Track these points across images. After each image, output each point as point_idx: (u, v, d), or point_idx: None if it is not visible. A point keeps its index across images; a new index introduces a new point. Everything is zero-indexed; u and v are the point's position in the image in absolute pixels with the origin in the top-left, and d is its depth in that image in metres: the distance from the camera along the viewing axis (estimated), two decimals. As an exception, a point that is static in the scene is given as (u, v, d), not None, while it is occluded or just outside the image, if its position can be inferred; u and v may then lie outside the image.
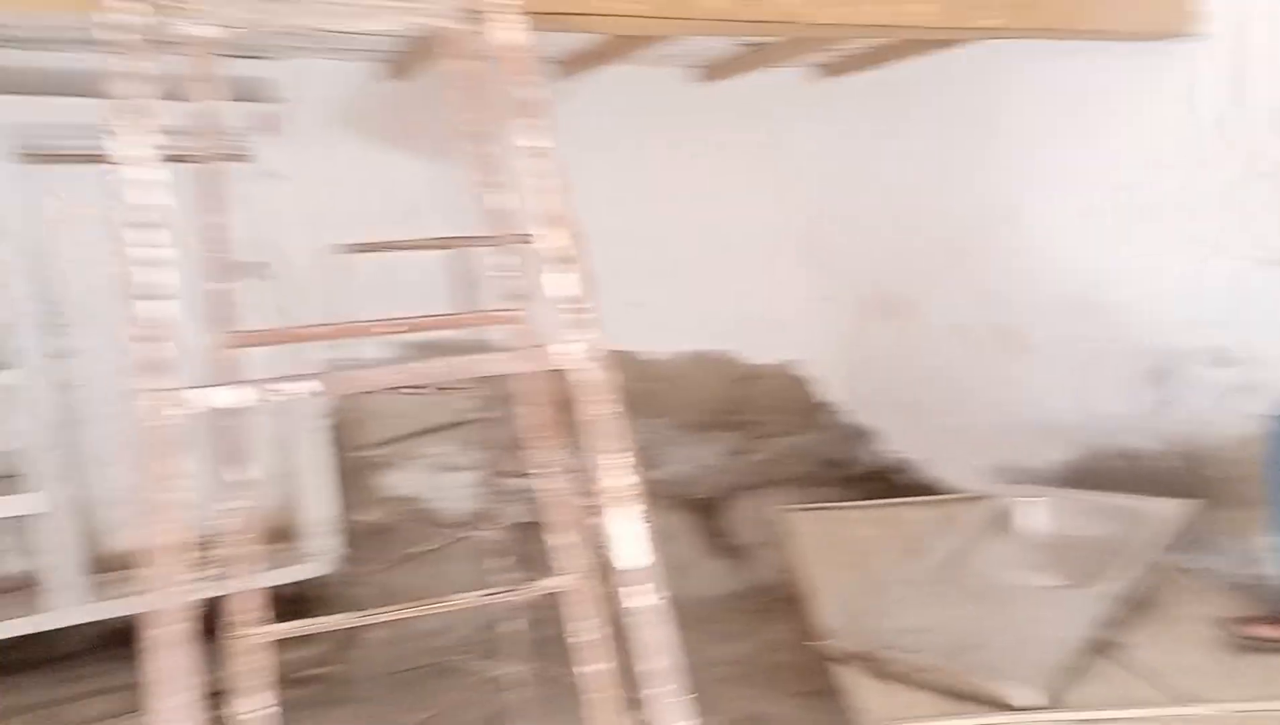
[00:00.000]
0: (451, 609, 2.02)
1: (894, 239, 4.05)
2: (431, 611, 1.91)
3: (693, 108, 4.05)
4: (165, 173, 1.00)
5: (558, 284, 1.17)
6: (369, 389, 1.09)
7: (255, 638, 1.65)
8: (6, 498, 3.10)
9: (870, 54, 3.81)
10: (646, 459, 3.92)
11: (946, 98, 3.68)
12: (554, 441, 1.73)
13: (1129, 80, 2.99)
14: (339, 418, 3.56)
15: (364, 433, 3.40)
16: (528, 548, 3.72)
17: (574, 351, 1.17)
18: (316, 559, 3.47)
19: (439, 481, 3.78)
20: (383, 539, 3.49)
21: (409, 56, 3.28)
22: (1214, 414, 2.90)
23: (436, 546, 3.23)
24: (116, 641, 3.51)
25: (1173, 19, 2.72)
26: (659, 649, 1.13)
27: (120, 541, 3.48)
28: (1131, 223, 3.08)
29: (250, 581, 1.65)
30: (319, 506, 3.50)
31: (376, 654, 3.06)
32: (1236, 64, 2.70)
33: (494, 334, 1.76)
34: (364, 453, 3.39)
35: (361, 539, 3.39)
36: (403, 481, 3.73)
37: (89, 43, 2.91)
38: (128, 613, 3.35)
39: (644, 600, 1.14)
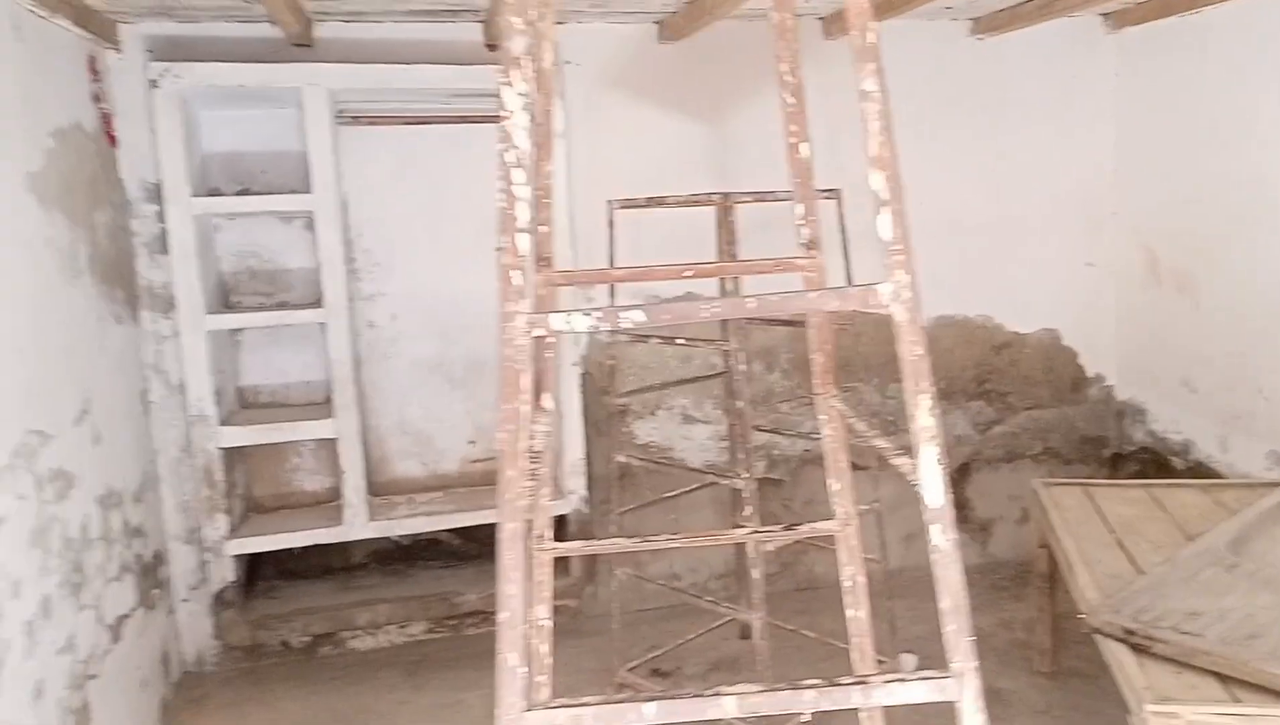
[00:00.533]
0: (716, 544, 2.12)
1: (1183, 201, 3.74)
2: (697, 544, 2.01)
3: (974, 62, 3.91)
4: (527, 119, 1.11)
5: (877, 226, 1.19)
6: (688, 320, 1.17)
7: (549, 552, 1.80)
8: (315, 422, 3.51)
9: (1163, 2, 3.54)
10: (896, 425, 3.91)
11: (1248, 48, 3.34)
12: (830, 387, 1.76)
13: None
14: (590, 367, 3.76)
15: (615, 382, 3.57)
16: (767, 503, 3.82)
17: (886, 292, 1.19)
18: (567, 497, 3.70)
19: (686, 432, 3.91)
20: (628, 484, 3.67)
21: (684, 18, 3.37)
22: None
23: (680, 492, 3.36)
24: (390, 559, 3.93)
25: None
26: (953, 587, 1.17)
27: (393, 469, 3.86)
28: None
29: (546, 503, 1.80)
30: (572, 449, 3.72)
31: (614, 594, 3.25)
32: None
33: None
34: (614, 400, 3.56)
35: (608, 483, 3.57)
36: (650, 430, 3.89)
37: (397, 13, 3.30)
38: (400, 533, 3.75)
39: (942, 539, 1.18)
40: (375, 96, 3.53)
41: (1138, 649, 2.05)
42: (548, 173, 1.63)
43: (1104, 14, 3.89)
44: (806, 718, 2.59)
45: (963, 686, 1.15)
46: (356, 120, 3.57)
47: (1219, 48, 3.51)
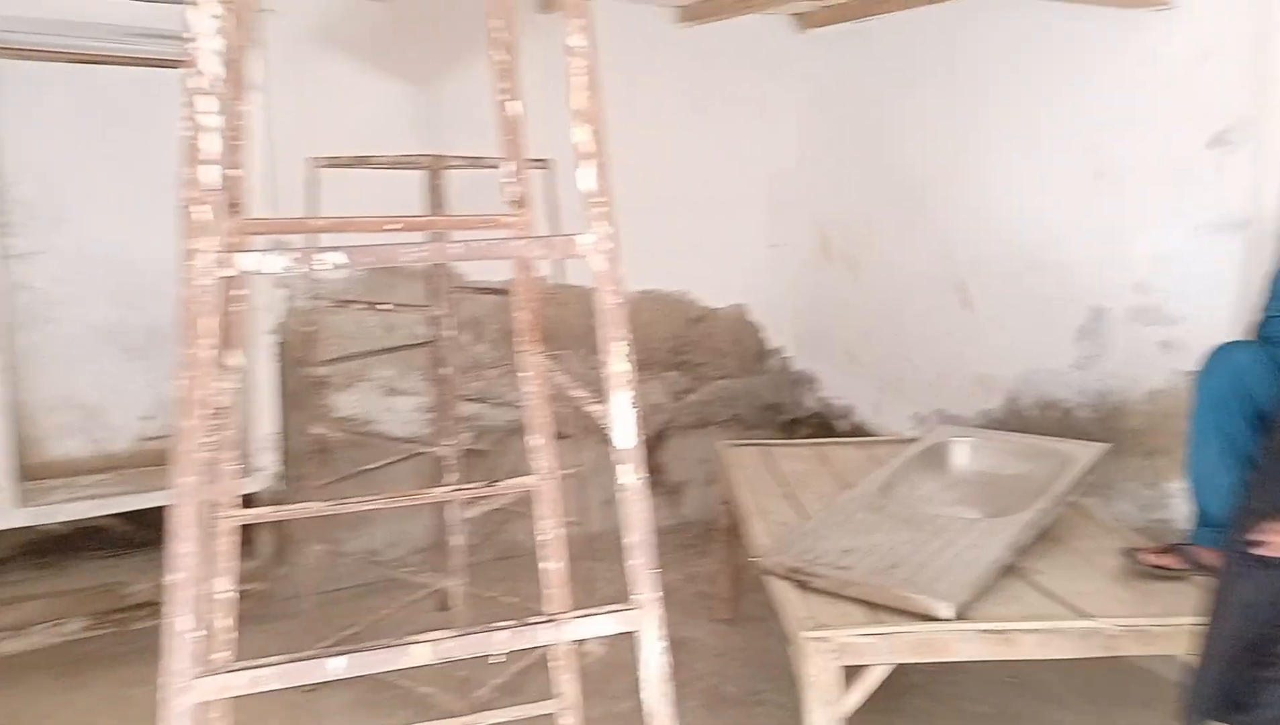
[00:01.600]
0: (415, 503, 2.09)
1: (853, 189, 4.17)
2: (395, 505, 1.97)
3: (680, 49, 4.09)
4: (220, 44, 1.02)
5: (580, 178, 1.22)
6: (390, 263, 1.14)
7: (233, 519, 1.69)
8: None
9: (849, 5, 3.90)
10: (601, 394, 4.03)
11: (919, 50, 3.78)
12: (535, 345, 1.79)
13: (1099, 44, 3.10)
14: (287, 335, 3.54)
15: (313, 351, 3.40)
16: (471, 475, 3.80)
17: (588, 242, 1.23)
18: (257, 474, 3.47)
19: (389, 404, 3.80)
20: (327, 458, 3.51)
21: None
22: (1137, 369, 3.09)
23: (381, 464, 3.26)
24: (44, 550, 3.49)
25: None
26: (640, 523, 1.24)
27: (52, 449, 3.44)
28: (1086, 184, 3.21)
29: (230, 469, 1.68)
30: (263, 422, 3.49)
31: (306, 575, 3.10)
32: (1202, 35, 2.83)
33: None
34: (312, 371, 3.38)
35: (305, 457, 3.40)
36: (351, 403, 3.74)
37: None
38: (54, 521, 3.35)
39: (631, 478, 1.24)
40: (45, 29, 3.08)
41: (800, 585, 2.27)
42: (240, 113, 1.51)
43: (796, 14, 4.23)
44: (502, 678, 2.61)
45: (644, 617, 1.21)
46: (21, 53, 3.10)
47: (882, 53, 3.94)
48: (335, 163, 2.90)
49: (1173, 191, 2.95)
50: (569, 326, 4.01)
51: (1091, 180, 3.19)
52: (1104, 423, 3.20)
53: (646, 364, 4.24)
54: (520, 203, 1.65)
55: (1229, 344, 2.33)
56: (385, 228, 1.55)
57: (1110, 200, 3.15)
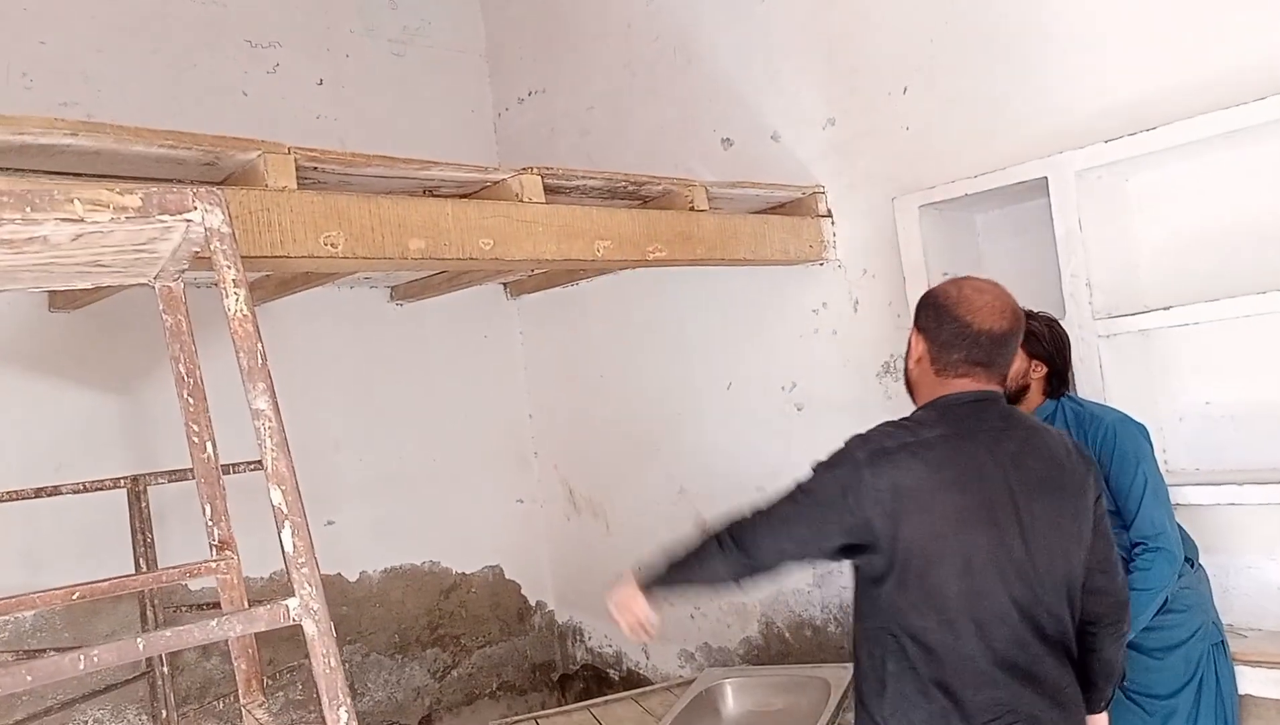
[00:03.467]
0: None
1: (588, 439, 4.31)
2: None
3: (397, 325, 4.16)
4: None
5: (280, 539, 1.18)
6: (58, 677, 1.02)
7: None
8: None
9: (550, 275, 4.18)
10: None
11: (628, 309, 4.08)
12: (259, 693, 1.65)
13: (778, 295, 3.50)
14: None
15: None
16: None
17: (295, 606, 1.17)
18: None
19: (103, 749, 3.32)
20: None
21: (80, 292, 3.11)
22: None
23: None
24: None
25: (805, 248, 3.26)
26: None
27: None
28: (790, 417, 3.52)
29: None
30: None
31: None
32: (853, 285, 3.27)
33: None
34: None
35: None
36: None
37: None
38: None
39: None
40: None
41: None
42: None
43: (504, 283, 4.46)
44: None
45: None
46: None
47: (597, 311, 4.22)
48: (16, 496, 2.63)
49: (857, 419, 3.26)
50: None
51: (795, 414, 3.51)
52: (844, 637, 3.36)
53: (402, 646, 4.02)
54: (224, 545, 1.56)
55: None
56: (72, 598, 1.40)
57: (812, 431, 3.46)
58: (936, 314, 1.77)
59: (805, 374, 3.47)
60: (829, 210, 3.33)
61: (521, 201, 2.57)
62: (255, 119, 3.79)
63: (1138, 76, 2.61)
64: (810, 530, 1.70)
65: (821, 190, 3.33)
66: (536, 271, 4.00)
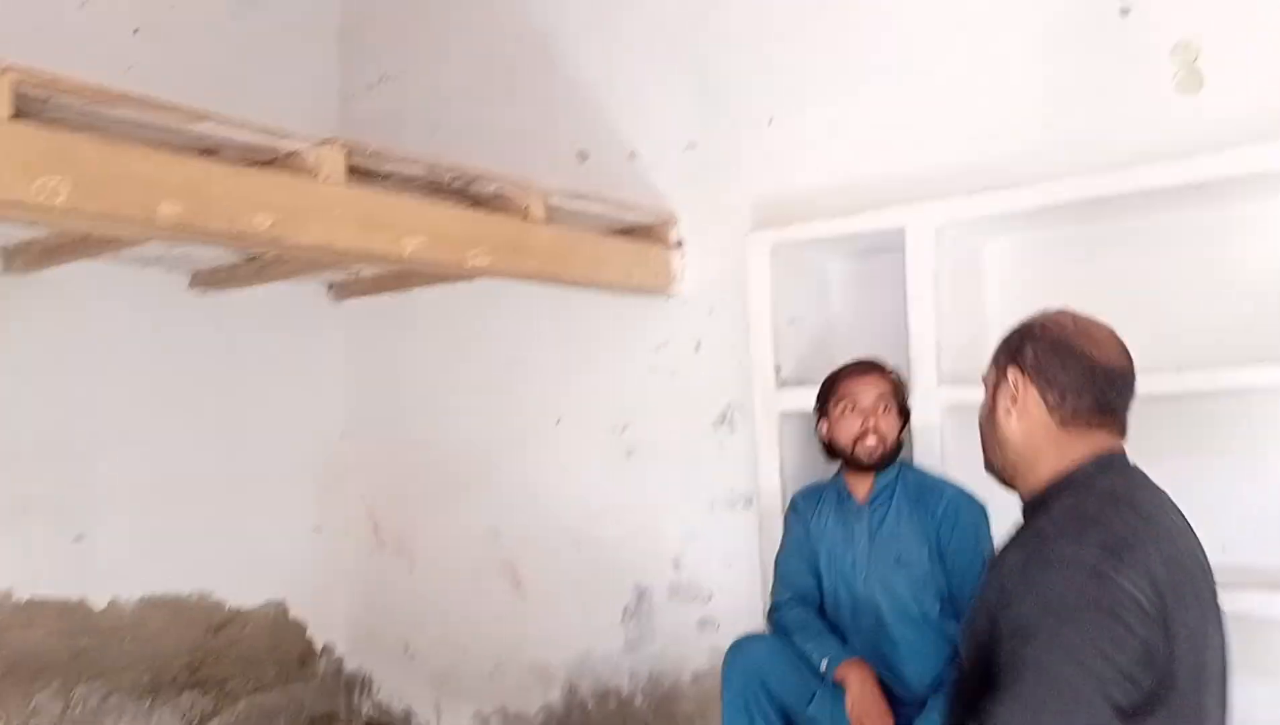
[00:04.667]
0: None
1: (403, 467, 3.88)
2: None
3: (198, 316, 3.63)
4: None
5: None
6: None
7: None
8: None
9: (378, 279, 3.77)
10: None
11: (458, 325, 3.70)
12: None
13: (618, 327, 3.21)
14: None
15: None
16: None
17: None
18: None
19: None
20: None
21: None
22: (681, 649, 3.00)
23: None
24: None
25: (651, 278, 2.98)
26: None
27: None
28: (620, 461, 3.21)
29: None
30: None
31: None
32: (697, 324, 3.01)
33: None
34: None
35: None
36: None
37: None
38: None
39: None
40: None
41: None
42: None
43: (330, 284, 4.02)
44: None
45: None
46: None
47: (423, 327, 3.82)
48: None
49: (690, 469, 3.01)
50: (44, 654, 3.19)
51: (625, 458, 3.20)
52: (658, 710, 3.04)
53: (153, 688, 3.46)
54: None
55: (745, 639, 2.27)
56: None
57: (642, 478, 3.16)
58: (1054, 350, 1.38)
59: (639, 416, 3.17)
60: (681, 240, 3.07)
61: (317, 178, 2.19)
62: (52, 61, 3.28)
63: (1007, 134, 2.45)
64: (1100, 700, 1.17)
65: (675, 217, 3.07)
66: (351, 268, 3.59)
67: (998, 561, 1.37)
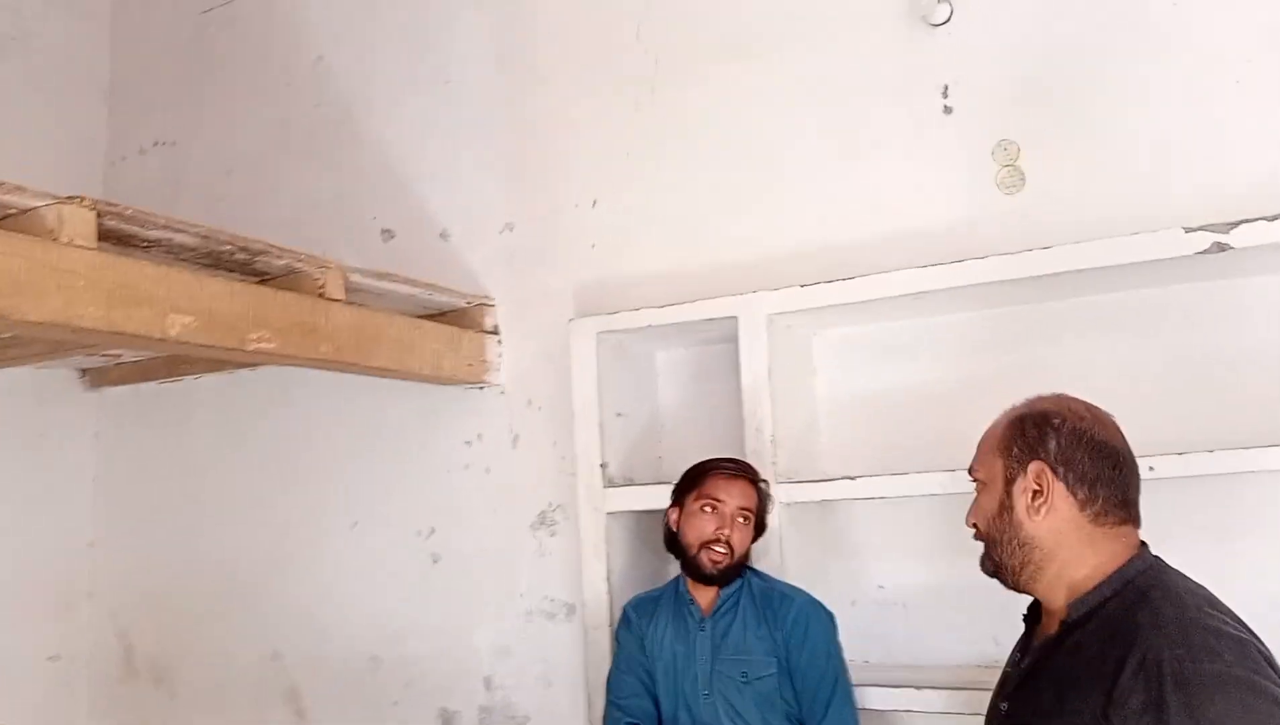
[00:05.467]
0: None
1: (164, 580, 3.34)
2: None
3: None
4: None
5: None
6: None
7: None
8: None
9: (142, 365, 3.30)
10: None
11: (238, 417, 3.27)
12: None
13: (425, 420, 2.92)
14: None
15: None
16: None
17: None
18: None
19: None
20: None
21: None
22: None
23: None
24: None
25: (464, 366, 2.73)
26: None
27: None
28: (424, 571, 2.89)
29: None
30: None
31: None
32: (514, 416, 2.78)
33: None
34: None
35: None
36: None
37: None
38: None
39: None
40: None
41: None
42: None
43: (82, 369, 3.49)
44: None
45: None
46: None
47: (203, 417, 3.36)
48: None
49: (505, 577, 2.74)
50: None
51: (430, 567, 2.88)
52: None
53: None
54: None
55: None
56: None
57: (449, 587, 2.84)
58: (1079, 441, 1.28)
59: (448, 517, 2.87)
60: (496, 326, 2.84)
61: (59, 241, 1.82)
62: None
63: (839, 225, 2.42)
64: None
65: (490, 302, 2.84)
66: (108, 355, 3.12)
67: (1067, 685, 1.21)
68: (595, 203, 2.74)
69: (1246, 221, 1.82)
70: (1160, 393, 2.06)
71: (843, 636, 2.05)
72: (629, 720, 2.03)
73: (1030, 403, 1.37)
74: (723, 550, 1.97)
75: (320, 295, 2.34)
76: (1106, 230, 2.00)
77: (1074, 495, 1.28)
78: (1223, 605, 1.23)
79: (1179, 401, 2.03)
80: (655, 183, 2.66)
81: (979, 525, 1.37)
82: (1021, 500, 1.30)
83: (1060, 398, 1.36)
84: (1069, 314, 2.18)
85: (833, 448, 2.45)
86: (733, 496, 2.00)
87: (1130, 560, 1.27)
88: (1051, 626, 1.31)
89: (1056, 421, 1.31)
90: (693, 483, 2.04)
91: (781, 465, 2.27)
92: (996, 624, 2.19)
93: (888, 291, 2.18)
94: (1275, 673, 1.14)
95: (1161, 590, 1.22)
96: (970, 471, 1.41)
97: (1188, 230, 1.88)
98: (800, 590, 2.04)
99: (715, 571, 1.98)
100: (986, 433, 1.40)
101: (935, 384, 2.33)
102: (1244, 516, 1.98)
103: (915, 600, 2.35)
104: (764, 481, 2.08)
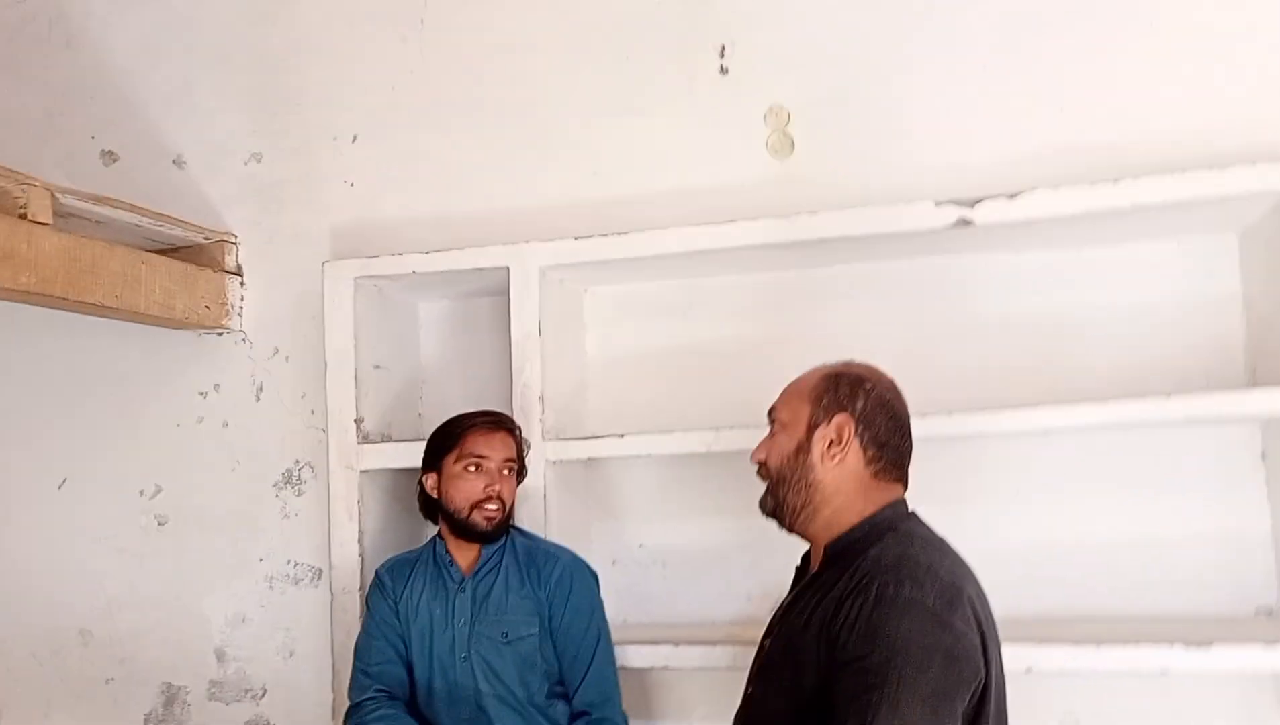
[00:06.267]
0: None
1: None
2: None
3: None
4: None
5: None
6: None
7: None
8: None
9: None
10: None
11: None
12: None
13: (159, 366, 2.62)
14: None
15: None
16: None
17: None
18: None
19: None
20: None
21: None
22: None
23: None
24: None
25: (199, 308, 2.44)
26: None
27: None
28: (148, 535, 2.59)
29: None
30: None
31: None
32: (262, 366, 2.54)
33: None
34: None
35: None
36: None
37: None
38: None
39: None
40: None
41: None
42: None
43: None
44: None
45: None
46: None
47: None
48: None
49: (244, 541, 2.52)
50: None
51: (154, 530, 2.59)
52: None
53: None
54: None
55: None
56: None
57: (178, 552, 2.58)
58: (882, 406, 1.40)
59: (177, 476, 2.59)
60: (239, 266, 2.58)
61: None
62: None
63: (616, 178, 2.37)
64: None
65: (232, 238, 2.57)
66: None
67: (814, 610, 1.32)
68: (356, 138, 2.53)
69: (990, 198, 1.95)
70: (908, 358, 2.17)
71: (604, 595, 2.03)
72: (377, 688, 1.91)
73: (847, 364, 1.47)
74: (495, 507, 1.90)
75: (22, 216, 2.01)
76: (866, 200, 2.08)
77: (865, 452, 1.39)
78: (949, 550, 1.38)
79: (924, 368, 2.14)
80: (423, 121, 2.49)
81: (769, 463, 1.44)
82: (819, 446, 1.39)
83: (872, 368, 1.47)
84: (830, 281, 2.26)
85: (602, 406, 2.42)
86: (495, 450, 1.92)
87: (883, 508, 1.39)
88: (816, 566, 1.42)
89: (868, 386, 1.41)
90: (449, 443, 1.94)
91: (549, 423, 2.21)
92: (751, 582, 2.29)
93: (660, 249, 2.17)
94: (979, 624, 1.28)
95: (898, 534, 1.36)
96: (771, 411, 1.48)
97: (938, 204, 1.99)
98: (565, 549, 2.00)
99: (491, 528, 1.90)
100: (798, 381, 1.47)
101: (705, 345, 2.35)
102: (978, 477, 2.14)
103: (674, 559, 2.38)
104: (519, 427, 2.03)
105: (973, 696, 1.25)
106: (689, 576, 2.36)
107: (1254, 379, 2.04)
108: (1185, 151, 1.98)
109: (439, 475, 1.93)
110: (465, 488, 1.89)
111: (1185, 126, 2.06)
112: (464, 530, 1.91)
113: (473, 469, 1.90)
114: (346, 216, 2.53)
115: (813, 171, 2.24)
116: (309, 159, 2.57)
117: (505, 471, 1.93)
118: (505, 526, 1.94)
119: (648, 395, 2.38)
